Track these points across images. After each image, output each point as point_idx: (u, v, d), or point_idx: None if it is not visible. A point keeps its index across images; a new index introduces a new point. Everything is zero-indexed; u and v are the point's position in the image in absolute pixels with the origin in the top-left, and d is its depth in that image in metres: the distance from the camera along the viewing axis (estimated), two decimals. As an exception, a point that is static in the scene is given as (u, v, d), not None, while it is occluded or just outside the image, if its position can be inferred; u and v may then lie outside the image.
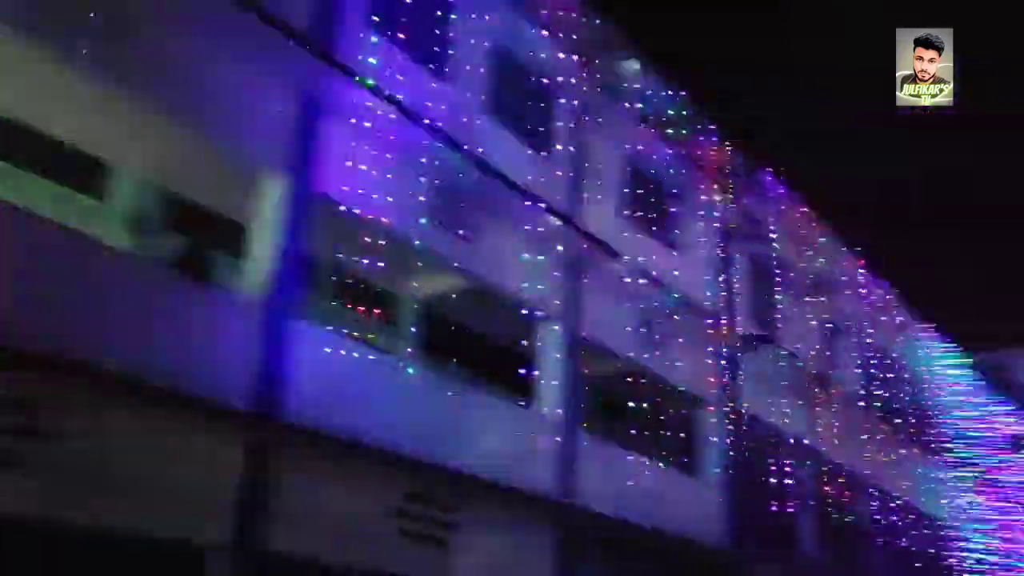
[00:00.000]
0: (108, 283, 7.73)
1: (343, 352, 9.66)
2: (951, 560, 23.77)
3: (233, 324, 8.65)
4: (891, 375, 22.80)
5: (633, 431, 15.38)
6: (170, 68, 8.45)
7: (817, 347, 19.50)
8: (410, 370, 10.64)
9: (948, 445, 24.50)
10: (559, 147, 13.45)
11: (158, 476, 7.69)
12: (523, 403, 12.36)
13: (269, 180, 9.38)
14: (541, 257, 12.50)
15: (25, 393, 6.98)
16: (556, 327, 12.69)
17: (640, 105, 15.01)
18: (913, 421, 23.16)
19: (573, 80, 13.76)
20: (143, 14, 8.25)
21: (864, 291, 21.68)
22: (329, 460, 9.18)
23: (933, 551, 22.86)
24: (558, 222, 12.52)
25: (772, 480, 17.08)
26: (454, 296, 12.15)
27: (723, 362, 16.03)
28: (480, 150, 11.33)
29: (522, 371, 12.71)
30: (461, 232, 11.27)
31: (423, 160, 10.85)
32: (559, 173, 13.19)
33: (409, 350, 11.92)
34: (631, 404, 15.28)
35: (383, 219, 10.34)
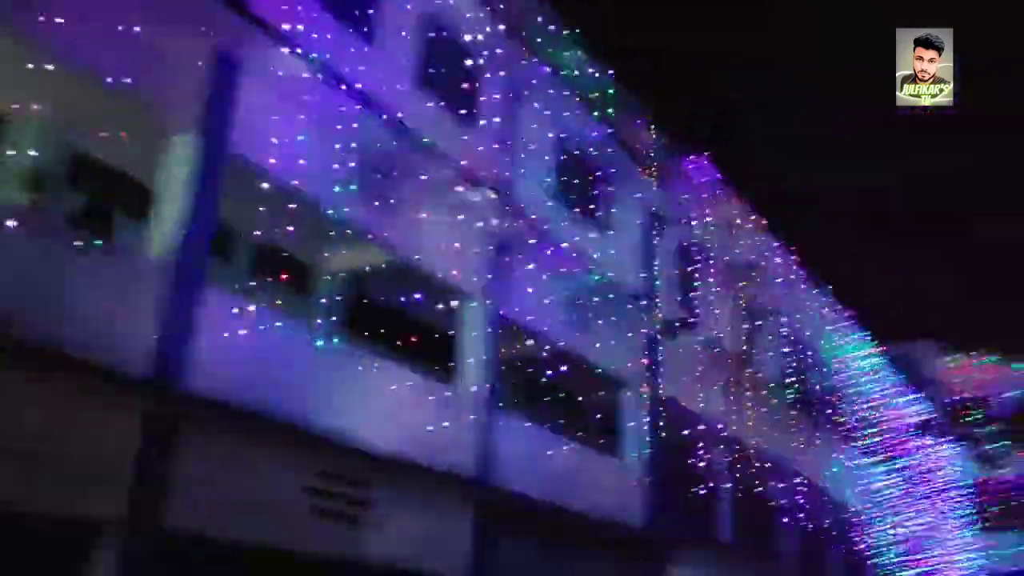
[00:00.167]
0: (-4, 239, 7.17)
1: (254, 323, 9.24)
2: (860, 544, 24.58)
3: (135, 287, 8.15)
4: (808, 362, 23.33)
5: (555, 412, 15.34)
6: (67, 9, 7.87)
7: (738, 332, 19.77)
8: (323, 343, 10.28)
9: (858, 432, 25.26)
10: (486, 120, 13.18)
11: (47, 446, 7.20)
12: (442, 381, 12.12)
13: (179, 139, 8.89)
14: (465, 232, 12.24)
15: None
16: (477, 304, 12.47)
17: (572, 81, 14.83)
18: (827, 408, 23.81)
19: (501, 51, 13.47)
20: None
21: (786, 280, 22.07)
22: (238, 434, 8.78)
23: (839, 534, 23.58)
24: (485, 197, 12.27)
25: (691, 463, 17.29)
26: (374, 269, 11.81)
27: (645, 344, 16.08)
28: (401, 116, 10.96)
29: (442, 349, 12.46)
30: (381, 203, 10.93)
31: (344, 127, 10.46)
32: (487, 147, 12.92)
33: (324, 323, 11.53)
34: (554, 385, 15.21)
35: (300, 186, 9.94)
